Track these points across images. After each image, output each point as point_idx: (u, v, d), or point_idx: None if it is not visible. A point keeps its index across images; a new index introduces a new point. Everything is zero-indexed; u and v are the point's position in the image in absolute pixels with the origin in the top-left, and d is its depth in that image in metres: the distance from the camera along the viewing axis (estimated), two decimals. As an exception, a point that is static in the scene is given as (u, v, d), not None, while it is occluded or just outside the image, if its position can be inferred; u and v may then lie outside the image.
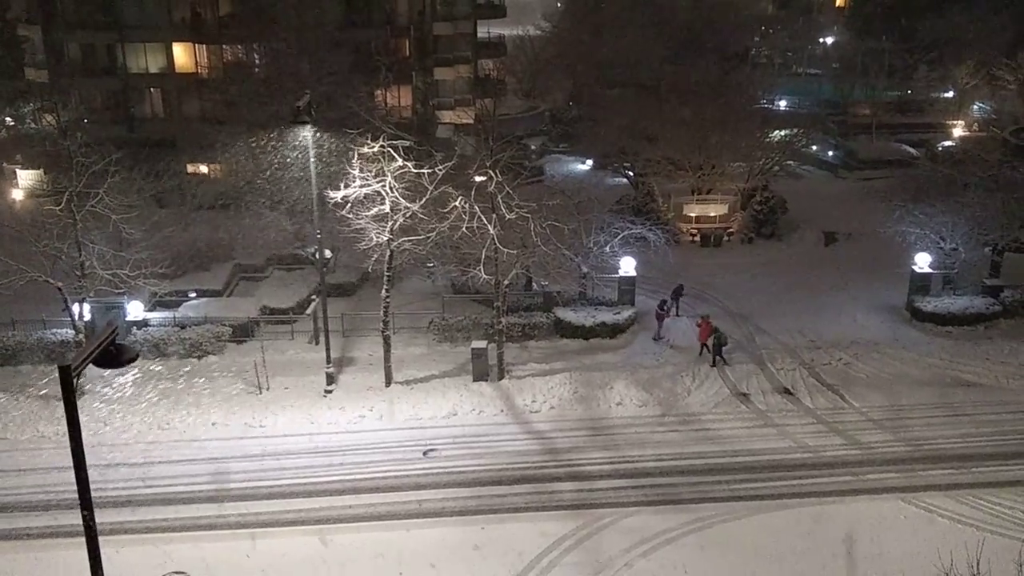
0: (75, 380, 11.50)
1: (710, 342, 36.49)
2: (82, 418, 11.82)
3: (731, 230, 52.71)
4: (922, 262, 40.89)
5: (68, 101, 57.51)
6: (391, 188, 31.83)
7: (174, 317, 39.28)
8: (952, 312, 39.35)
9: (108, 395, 33.73)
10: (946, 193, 44.25)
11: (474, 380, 34.97)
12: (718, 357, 36.31)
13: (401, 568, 24.61)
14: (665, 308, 38.97)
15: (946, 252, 41.47)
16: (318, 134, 35.51)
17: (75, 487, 11.95)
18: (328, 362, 34.69)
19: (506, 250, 33.41)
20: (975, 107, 76.16)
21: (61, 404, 11.93)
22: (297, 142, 39.13)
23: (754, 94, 68.20)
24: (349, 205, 32.36)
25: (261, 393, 34.51)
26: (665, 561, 24.60)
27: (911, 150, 68.76)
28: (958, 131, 74.06)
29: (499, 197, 32.52)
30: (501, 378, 35.06)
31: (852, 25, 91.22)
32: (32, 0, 62.14)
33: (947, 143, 69.80)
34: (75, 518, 14.14)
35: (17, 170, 59.26)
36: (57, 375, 11.63)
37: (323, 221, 35.02)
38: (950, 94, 79.64)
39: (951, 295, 40.67)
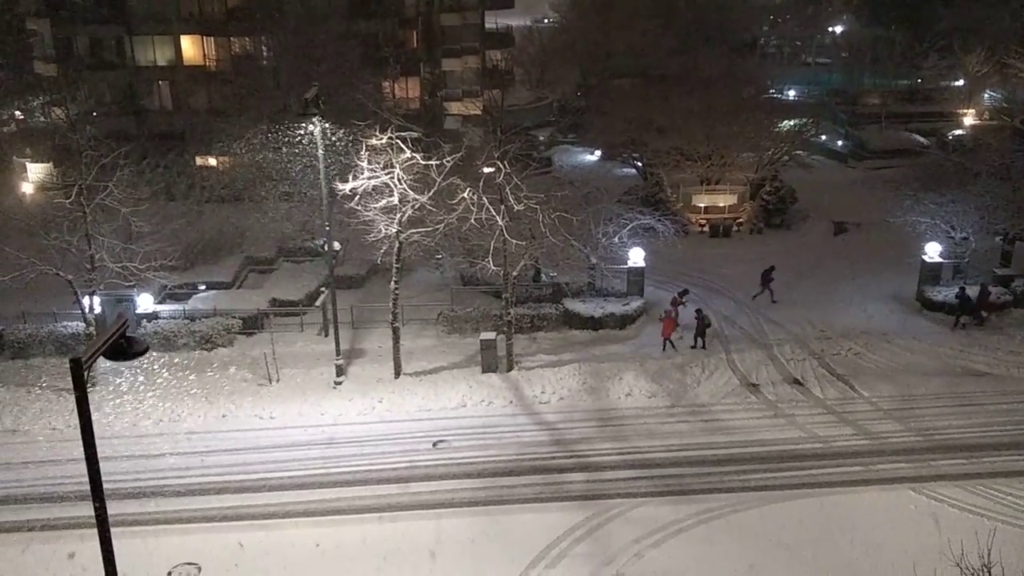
0: (86, 373, 11.55)
1: (674, 336, 36.68)
2: (93, 411, 11.87)
3: (740, 220, 52.59)
4: (932, 252, 40.74)
5: (77, 94, 57.68)
6: (399, 180, 31.81)
7: (184, 310, 39.41)
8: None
9: (119, 388, 33.86)
10: (956, 182, 44.12)
11: (483, 371, 35.00)
12: (700, 339, 36.67)
13: (411, 559, 24.66)
14: (683, 298, 38.82)
15: (956, 242, 41.33)
16: (326, 126, 35.53)
17: (86, 479, 12.01)
18: (337, 354, 34.76)
19: (515, 241, 33.40)
20: (986, 95, 75.73)
21: (72, 397, 11.98)
22: (305, 134, 39.17)
23: (763, 84, 68.06)
24: (358, 197, 32.35)
25: (271, 385, 34.62)
26: (674, 551, 24.60)
27: (921, 139, 68.54)
28: (968, 120, 73.68)
29: (507, 188, 32.50)
30: (510, 369, 35.09)
31: (861, 13, 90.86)
32: (41, -6, 62.37)
33: (957, 132, 69.55)
34: (87, 510, 14.22)
35: (27, 164, 59.49)
36: (68, 368, 11.68)
37: (332, 213, 35.05)
38: (960, 83, 79.20)
39: (961, 284, 40.50)
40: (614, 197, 47.64)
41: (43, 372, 35.75)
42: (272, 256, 46.82)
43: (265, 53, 58.75)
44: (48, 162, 56.43)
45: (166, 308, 39.69)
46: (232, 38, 60.46)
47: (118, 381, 34.22)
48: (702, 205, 53.16)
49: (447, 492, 27.65)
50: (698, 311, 37.07)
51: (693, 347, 36.60)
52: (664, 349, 36.65)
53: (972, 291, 38.35)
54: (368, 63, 56.63)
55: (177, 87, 62.84)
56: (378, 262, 36.56)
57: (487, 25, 74.14)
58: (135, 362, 34.36)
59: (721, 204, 53.21)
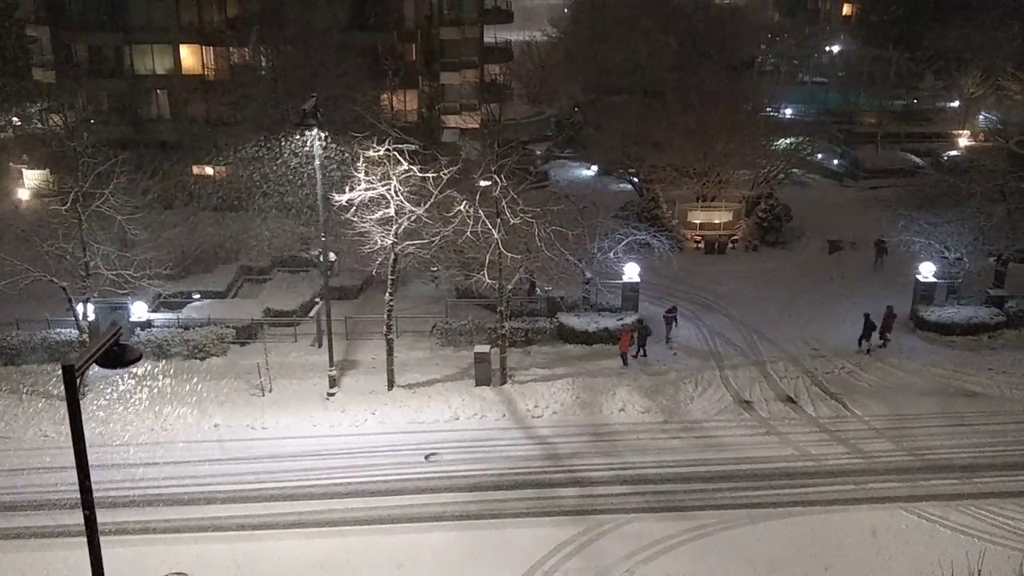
0: (78, 380, 11.52)
1: (631, 352, 37.03)
2: (85, 418, 11.84)
3: (735, 237, 52.68)
4: (926, 271, 40.84)
5: (75, 102, 57.74)
6: (396, 192, 31.88)
7: (178, 318, 39.37)
8: (956, 322, 39.30)
9: (111, 395, 33.75)
10: (951, 203, 44.23)
11: (476, 385, 34.97)
12: (642, 348, 37.11)
13: (401, 572, 24.60)
14: (673, 313, 38.95)
15: (950, 262, 41.43)
16: (324, 137, 35.60)
17: (77, 487, 11.97)
18: (331, 365, 34.72)
19: (510, 255, 33.43)
20: (981, 117, 76.05)
21: (64, 404, 11.96)
22: (303, 145, 39.26)
23: (760, 102, 68.23)
24: (354, 208, 32.42)
25: (264, 395, 34.55)
26: (666, 568, 24.56)
27: (916, 159, 68.73)
28: (964, 141, 73.95)
29: (504, 202, 32.56)
30: (503, 383, 35.07)
31: (858, 34, 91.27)
32: (41, 1, 62.35)
33: (952, 153, 69.75)
34: (77, 518, 14.18)
35: (23, 170, 59.43)
36: (61, 375, 11.65)
37: (328, 224, 35.08)
38: (956, 104, 79.56)
39: (955, 305, 40.62)
40: (610, 212, 47.67)
41: (36, 379, 35.63)
42: (267, 266, 46.76)
43: (264, 63, 58.80)
44: (45, 169, 56.35)
45: (160, 316, 39.64)
46: (231, 48, 60.52)
47: (111, 389, 34.11)
48: (697, 221, 53.26)
49: (439, 505, 27.60)
50: (639, 320, 37.39)
51: (635, 356, 37.08)
52: (625, 364, 36.79)
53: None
54: (367, 75, 56.68)
55: (175, 96, 62.81)
56: (373, 273, 36.58)
57: (486, 39, 74.33)
58: (128, 370, 34.28)
59: (716, 221, 53.30)
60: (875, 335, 37.87)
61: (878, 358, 37.34)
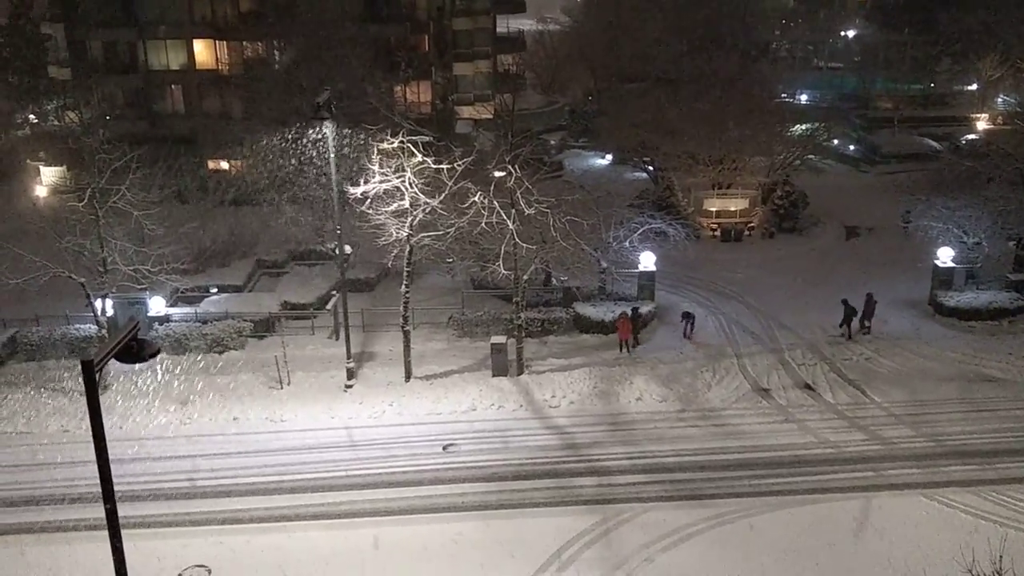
0: (98, 375, 11.60)
1: (630, 340, 36.94)
2: (105, 413, 11.93)
3: (752, 225, 52.45)
4: (945, 256, 40.54)
5: (90, 98, 58.09)
6: (410, 183, 31.89)
7: (195, 313, 39.56)
8: (975, 307, 39.00)
9: (130, 390, 34.00)
10: (969, 187, 43.96)
11: (493, 375, 35.00)
12: (634, 336, 37.12)
13: (420, 563, 24.68)
14: (689, 316, 38.72)
15: (969, 246, 41.12)
16: (338, 130, 35.63)
17: (98, 481, 12.06)
18: (348, 357, 34.83)
19: (525, 245, 33.41)
20: (999, 100, 75.33)
21: (84, 399, 12.03)
22: (317, 138, 39.34)
23: (775, 88, 67.78)
24: (369, 201, 32.45)
25: (282, 388, 34.70)
26: (685, 556, 24.54)
27: (934, 144, 68.24)
28: (982, 124, 73.29)
29: (518, 192, 32.51)
30: (520, 373, 35.08)
31: (874, 18, 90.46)
32: (55, -2, 62.79)
33: (970, 136, 69.23)
34: (98, 512, 14.30)
35: (40, 167, 59.86)
36: (80, 370, 11.73)
37: (343, 217, 35.13)
38: (974, 87, 78.81)
39: (974, 290, 40.32)
40: (625, 201, 47.58)
41: (56, 374, 35.92)
42: (283, 259, 46.94)
43: (277, 57, 58.96)
44: (61, 165, 56.79)
45: (178, 311, 39.83)
46: (244, 42, 60.70)
47: (130, 384, 34.35)
48: (713, 209, 53.03)
49: (457, 496, 27.66)
50: (634, 309, 37.48)
51: (635, 345, 37.08)
52: (621, 351, 36.82)
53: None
54: (380, 67, 56.77)
55: (189, 91, 63.13)
56: (389, 266, 36.64)
57: (498, 29, 74.22)
58: (147, 365, 34.50)
59: (732, 208, 53.07)
60: (856, 321, 37.64)
61: (893, 344, 37.09)
